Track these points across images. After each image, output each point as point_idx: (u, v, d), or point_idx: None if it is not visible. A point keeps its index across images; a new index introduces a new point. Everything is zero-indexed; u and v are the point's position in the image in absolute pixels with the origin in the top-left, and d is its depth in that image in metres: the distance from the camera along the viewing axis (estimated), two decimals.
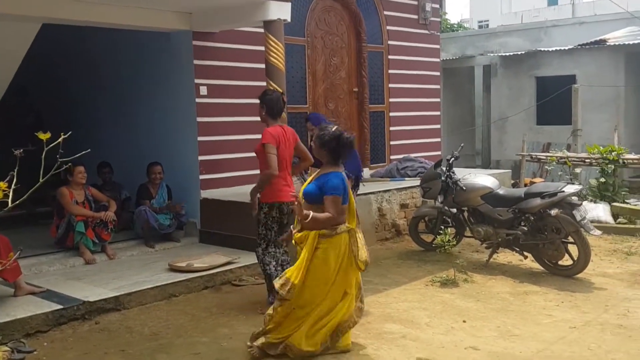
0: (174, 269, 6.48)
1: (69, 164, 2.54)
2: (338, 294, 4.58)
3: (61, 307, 5.36)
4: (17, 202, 2.49)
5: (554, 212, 6.53)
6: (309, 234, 4.50)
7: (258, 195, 5.57)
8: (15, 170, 2.56)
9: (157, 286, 6.02)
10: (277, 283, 4.55)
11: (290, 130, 5.79)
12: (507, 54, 16.83)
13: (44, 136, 2.44)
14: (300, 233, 4.59)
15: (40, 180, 2.50)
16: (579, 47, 15.32)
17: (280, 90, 6.29)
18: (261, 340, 4.61)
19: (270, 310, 4.65)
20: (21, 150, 2.63)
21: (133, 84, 8.72)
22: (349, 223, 4.61)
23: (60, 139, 2.51)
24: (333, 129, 4.65)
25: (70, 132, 2.58)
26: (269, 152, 5.40)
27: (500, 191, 7.17)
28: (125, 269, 6.65)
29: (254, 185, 5.62)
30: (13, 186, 2.47)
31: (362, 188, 8.76)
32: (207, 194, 8.02)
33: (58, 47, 9.41)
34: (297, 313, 4.55)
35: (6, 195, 2.42)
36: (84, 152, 2.91)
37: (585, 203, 7.48)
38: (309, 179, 4.77)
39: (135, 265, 6.78)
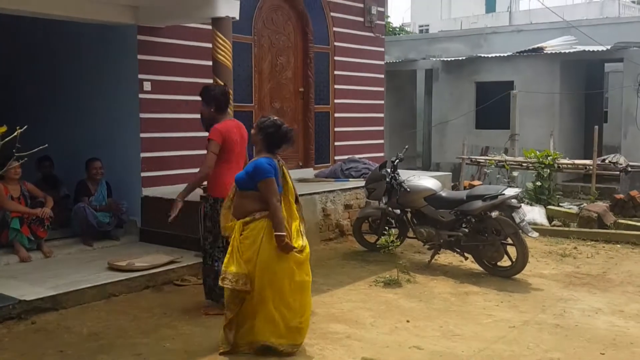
0: (113, 268, 6.33)
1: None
2: (281, 281, 4.55)
3: None
4: None
5: (494, 214, 6.72)
6: (236, 223, 4.62)
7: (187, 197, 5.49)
8: None
9: (96, 285, 5.87)
10: (225, 282, 4.53)
11: (242, 125, 5.75)
12: (449, 59, 17.18)
13: (0, 129, 2.36)
14: (229, 223, 4.72)
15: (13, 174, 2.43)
16: (517, 54, 15.79)
17: (222, 84, 6.23)
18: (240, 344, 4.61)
19: (227, 312, 4.61)
20: None
21: (75, 77, 8.45)
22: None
23: (17, 132, 2.43)
24: (274, 118, 4.75)
25: (25, 127, 2.49)
26: (210, 150, 5.37)
27: (443, 193, 7.32)
28: (62, 267, 6.45)
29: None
30: None
31: (307, 187, 8.83)
32: (148, 191, 7.86)
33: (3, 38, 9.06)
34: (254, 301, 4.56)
35: None
36: (41, 147, 2.81)
37: (522, 206, 7.69)
38: None
39: (73, 264, 6.58)
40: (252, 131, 4.81)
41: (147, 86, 7.77)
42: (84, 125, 8.30)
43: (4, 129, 2.42)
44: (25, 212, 6.73)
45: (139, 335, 4.95)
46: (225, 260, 4.62)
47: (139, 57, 7.75)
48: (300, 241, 4.69)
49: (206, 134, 5.52)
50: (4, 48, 9.22)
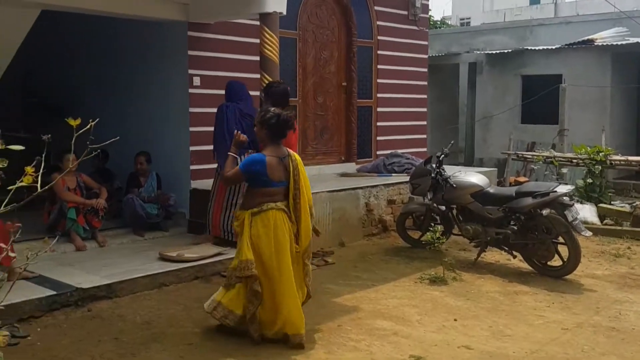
0: (164, 259, 6.46)
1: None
2: (289, 270, 4.74)
3: (54, 293, 5.32)
4: (47, 187, 2.49)
5: (545, 212, 6.62)
6: (244, 214, 4.81)
7: None
8: (43, 155, 2.55)
9: (149, 275, 5.99)
10: (233, 270, 4.79)
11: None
12: (494, 52, 16.94)
13: (74, 122, 2.44)
14: (239, 211, 4.94)
15: (70, 165, 2.52)
16: (566, 46, 15.49)
17: (284, 84, 6.31)
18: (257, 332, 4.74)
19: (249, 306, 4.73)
20: (49, 135, 2.62)
21: (127, 72, 8.64)
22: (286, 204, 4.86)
23: (89, 125, 2.52)
24: (271, 109, 4.95)
25: (97, 119, 2.59)
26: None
27: (491, 190, 7.24)
28: (116, 256, 6.62)
29: None
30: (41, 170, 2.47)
31: (350, 182, 8.86)
32: (197, 184, 7.99)
33: (59, 35, 9.29)
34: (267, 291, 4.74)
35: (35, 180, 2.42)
36: (113, 139, 2.91)
37: (575, 204, 7.58)
38: None
39: (125, 254, 6.74)
40: (255, 128, 4.96)
41: (196, 81, 7.90)
42: (137, 119, 8.47)
43: (78, 121, 2.50)
44: (80, 203, 6.93)
45: (190, 325, 5.05)
46: (237, 251, 4.85)
47: (189, 52, 7.87)
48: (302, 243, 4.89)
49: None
50: (59, 47, 9.45)
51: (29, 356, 4.37)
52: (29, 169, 2.50)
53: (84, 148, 2.65)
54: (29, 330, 4.83)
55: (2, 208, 2.62)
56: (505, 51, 16.63)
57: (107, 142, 2.75)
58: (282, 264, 4.72)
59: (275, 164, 4.79)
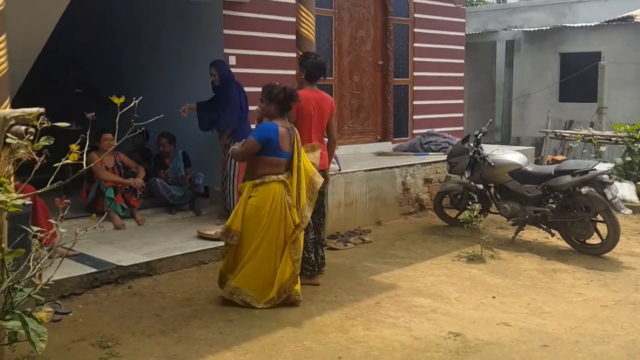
0: (202, 237, 6.54)
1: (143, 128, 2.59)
2: (272, 244, 5.01)
3: (95, 270, 5.44)
4: (87, 168, 2.53)
5: (584, 190, 6.52)
6: (246, 185, 5.07)
7: None
8: (87, 133, 2.60)
9: (187, 253, 6.09)
10: (220, 234, 5.18)
11: (328, 98, 5.81)
12: (532, 29, 16.61)
13: (117, 100, 2.48)
14: (241, 184, 5.21)
15: (116, 143, 2.57)
16: (606, 23, 15.10)
17: (322, 59, 6.25)
18: (228, 288, 5.11)
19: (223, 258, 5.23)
20: (93, 113, 2.67)
21: (165, 53, 8.70)
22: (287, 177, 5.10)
23: (133, 103, 2.55)
24: (276, 84, 5.22)
25: (141, 97, 2.62)
26: None
27: (529, 168, 7.15)
28: (154, 235, 6.72)
29: None
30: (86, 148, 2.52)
31: (386, 161, 8.83)
32: None
33: (103, 18, 9.41)
34: (239, 257, 5.11)
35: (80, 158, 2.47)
36: (157, 117, 2.94)
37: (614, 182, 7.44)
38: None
39: (164, 232, 6.84)
40: (262, 105, 5.19)
41: (232, 60, 7.89)
42: (173, 98, 8.53)
43: (122, 99, 2.54)
44: (118, 182, 7.04)
45: (229, 302, 5.10)
46: (230, 217, 5.11)
47: (225, 31, 7.87)
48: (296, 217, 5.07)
49: None
50: (101, 33, 9.57)
51: (71, 332, 4.47)
52: (74, 147, 2.55)
53: (125, 128, 2.69)
54: (71, 307, 4.95)
55: (48, 185, 2.67)
56: (544, 28, 16.28)
57: (151, 120, 2.78)
58: (269, 233, 4.99)
59: (285, 134, 5.06)
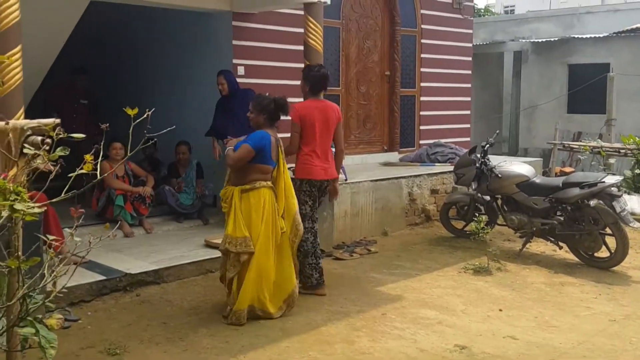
0: (210, 246, 6.57)
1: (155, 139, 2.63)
2: (267, 250, 4.99)
3: (104, 278, 5.48)
4: (100, 178, 2.57)
5: (593, 202, 6.52)
6: (233, 190, 5.01)
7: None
8: (102, 143, 2.64)
9: (195, 261, 6.12)
10: (228, 246, 4.94)
11: (334, 107, 5.87)
12: (540, 40, 16.64)
13: (131, 112, 2.52)
14: (224, 189, 5.14)
15: (129, 153, 2.61)
16: (614, 34, 15.11)
17: (325, 70, 6.31)
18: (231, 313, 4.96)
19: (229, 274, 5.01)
20: (107, 124, 2.70)
21: (172, 63, 8.77)
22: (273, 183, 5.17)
23: (146, 114, 2.59)
24: (265, 95, 5.32)
25: (154, 109, 2.65)
26: (291, 130, 5.69)
27: (537, 180, 7.15)
28: (162, 243, 6.76)
29: None
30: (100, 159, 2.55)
31: (393, 172, 8.85)
32: None
33: (107, 28, 9.49)
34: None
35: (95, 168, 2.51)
36: (169, 128, 2.98)
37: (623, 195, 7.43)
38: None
39: (172, 240, 6.88)
40: (251, 115, 5.21)
41: (241, 71, 7.96)
42: (183, 109, 8.60)
43: (135, 111, 2.57)
44: (128, 190, 7.10)
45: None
46: (230, 226, 4.96)
47: (234, 42, 7.94)
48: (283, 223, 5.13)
49: None
50: (107, 38, 9.64)
51: (80, 339, 4.51)
52: (88, 157, 2.59)
53: (135, 138, 2.72)
54: (80, 314, 4.99)
55: (63, 194, 2.70)
56: (552, 39, 16.31)
57: (163, 131, 2.82)
58: (268, 239, 4.98)
59: (274, 143, 5.13)
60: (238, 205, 4.97)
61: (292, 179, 5.71)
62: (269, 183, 5.09)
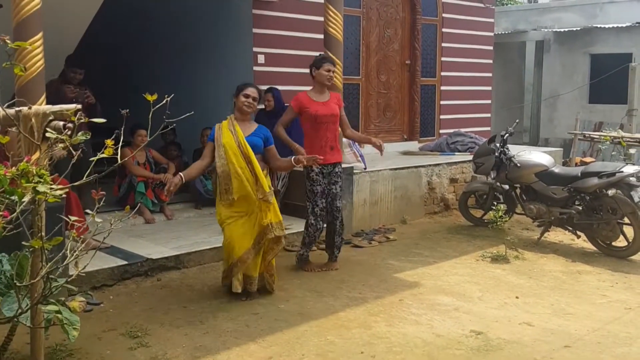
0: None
1: (173, 124, 2.69)
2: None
3: (125, 262, 5.59)
4: (119, 163, 2.64)
5: (611, 192, 6.50)
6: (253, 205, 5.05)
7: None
8: (122, 129, 2.71)
9: (215, 247, 6.18)
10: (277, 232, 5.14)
11: (333, 95, 6.08)
12: (562, 30, 16.46)
13: (151, 97, 2.58)
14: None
15: (148, 138, 2.68)
16: (637, 24, 14.90)
17: (338, 61, 6.42)
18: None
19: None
20: (127, 110, 2.77)
21: (193, 50, 8.85)
22: None
23: (165, 100, 2.65)
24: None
25: (172, 95, 2.72)
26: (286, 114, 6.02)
27: (556, 169, 7.13)
28: (183, 229, 6.87)
29: None
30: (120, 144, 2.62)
31: (412, 160, 8.86)
32: None
33: (134, 17, 9.62)
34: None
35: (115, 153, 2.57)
36: (187, 114, 3.05)
37: None
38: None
39: (192, 227, 6.98)
40: (255, 102, 5.31)
41: (261, 59, 8.02)
42: (203, 96, 8.69)
43: (154, 96, 2.64)
44: (149, 177, 7.20)
45: (255, 295, 5.20)
46: (274, 213, 5.13)
47: (254, 30, 8.00)
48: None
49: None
50: (131, 26, 9.75)
51: (102, 322, 4.61)
52: (109, 142, 2.66)
53: (153, 124, 2.78)
54: (102, 298, 5.09)
55: (84, 178, 2.78)
56: (574, 29, 16.13)
57: (181, 117, 2.88)
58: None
59: None
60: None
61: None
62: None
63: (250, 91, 5.22)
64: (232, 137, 5.05)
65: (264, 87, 8.07)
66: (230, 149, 5.02)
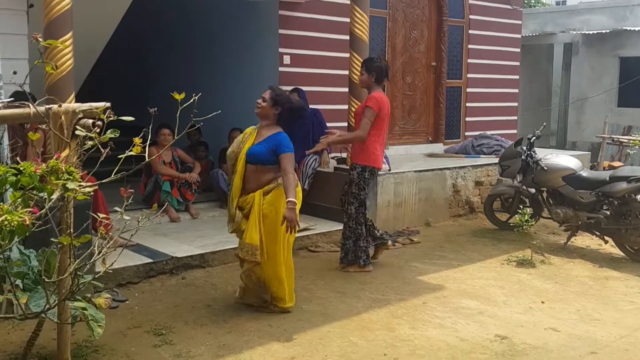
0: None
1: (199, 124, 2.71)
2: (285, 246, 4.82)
3: (151, 260, 5.63)
4: (145, 161, 2.66)
5: None
6: (254, 196, 4.70)
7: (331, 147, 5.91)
8: (150, 127, 2.73)
9: None
10: (241, 253, 4.77)
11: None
12: (591, 32, 16.26)
13: (178, 96, 2.60)
14: (243, 197, 4.77)
15: (175, 137, 2.70)
16: None
17: (386, 61, 6.40)
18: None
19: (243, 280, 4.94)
20: (155, 109, 2.80)
21: (220, 51, 8.92)
22: None
23: (193, 99, 2.67)
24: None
25: (200, 94, 2.73)
26: (366, 117, 5.76)
27: (583, 173, 7.04)
28: (207, 228, 6.90)
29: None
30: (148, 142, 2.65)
31: (437, 163, 8.81)
32: None
33: (158, 17, 9.71)
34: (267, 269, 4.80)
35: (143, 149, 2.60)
36: (215, 113, 3.07)
37: None
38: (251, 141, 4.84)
39: (217, 226, 7.00)
40: (264, 103, 4.79)
41: (286, 60, 8.05)
42: (229, 96, 8.74)
43: (182, 95, 2.66)
44: (175, 176, 7.26)
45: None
46: (250, 231, 4.69)
47: (280, 31, 8.03)
48: None
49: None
50: (160, 27, 9.86)
51: (127, 319, 4.65)
52: (137, 140, 2.69)
53: (181, 124, 2.80)
54: (127, 295, 5.14)
55: (112, 176, 2.81)
56: (603, 32, 15.92)
57: (209, 116, 2.90)
58: (283, 239, 4.75)
59: None
60: (259, 210, 4.69)
61: (353, 165, 5.92)
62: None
63: (264, 92, 4.94)
64: (237, 145, 4.91)
65: (289, 88, 8.13)
66: (230, 160, 4.92)
